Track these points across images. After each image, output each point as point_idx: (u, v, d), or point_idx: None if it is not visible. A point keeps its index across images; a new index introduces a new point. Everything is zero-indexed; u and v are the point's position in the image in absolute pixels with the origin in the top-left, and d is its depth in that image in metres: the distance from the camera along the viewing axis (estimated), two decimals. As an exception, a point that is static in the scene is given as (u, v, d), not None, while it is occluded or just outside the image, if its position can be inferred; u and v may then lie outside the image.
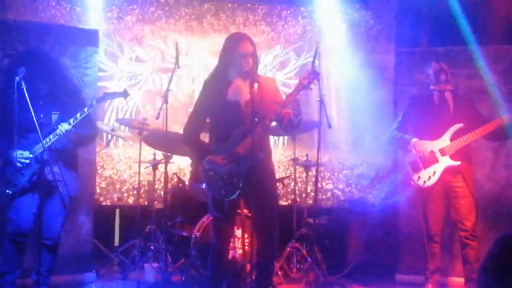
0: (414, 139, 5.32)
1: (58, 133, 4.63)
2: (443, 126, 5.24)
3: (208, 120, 4.60)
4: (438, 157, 5.22)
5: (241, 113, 4.39)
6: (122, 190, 7.40)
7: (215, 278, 4.62)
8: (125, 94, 5.00)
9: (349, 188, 7.64)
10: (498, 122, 5.13)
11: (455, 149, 5.18)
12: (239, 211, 5.06)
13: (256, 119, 4.26)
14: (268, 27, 7.75)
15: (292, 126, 4.47)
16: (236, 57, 4.42)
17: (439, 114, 5.30)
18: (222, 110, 4.44)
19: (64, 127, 4.62)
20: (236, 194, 4.36)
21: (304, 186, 6.79)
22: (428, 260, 5.40)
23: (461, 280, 5.50)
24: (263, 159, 4.38)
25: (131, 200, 7.35)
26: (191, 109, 4.85)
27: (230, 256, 5.25)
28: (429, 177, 5.24)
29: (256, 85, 4.32)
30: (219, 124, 4.50)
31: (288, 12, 7.77)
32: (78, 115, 4.67)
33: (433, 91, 5.40)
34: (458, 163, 5.20)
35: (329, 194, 7.68)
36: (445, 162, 5.21)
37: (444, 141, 5.21)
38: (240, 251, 5.44)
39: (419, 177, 5.28)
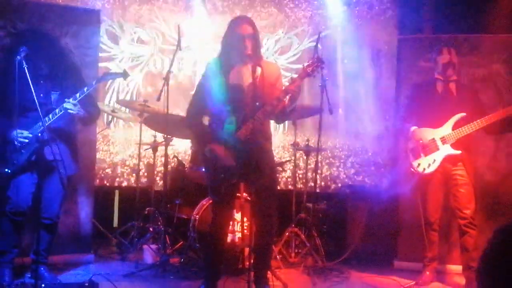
0: (413, 127, 5.30)
1: (59, 112, 4.63)
2: (446, 114, 5.21)
3: (209, 102, 4.58)
4: (438, 145, 5.21)
5: (243, 97, 4.38)
6: (122, 171, 7.40)
7: (212, 261, 4.64)
8: (125, 74, 4.99)
9: (354, 175, 7.61)
10: (502, 113, 5.10)
11: (456, 138, 5.17)
12: (238, 194, 5.06)
13: (257, 104, 4.25)
14: (275, 8, 7.67)
15: (284, 115, 4.45)
16: (235, 39, 4.39)
17: (442, 102, 5.28)
18: (224, 94, 4.42)
19: (71, 101, 4.61)
20: (234, 178, 4.38)
21: (304, 171, 6.78)
22: (426, 248, 5.41)
23: (458, 267, 5.51)
24: (263, 144, 4.38)
25: (130, 182, 7.35)
26: (192, 92, 4.83)
27: (229, 240, 5.28)
28: (429, 164, 5.24)
29: (259, 69, 4.31)
30: (221, 107, 4.47)
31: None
32: (77, 94, 4.66)
33: (437, 80, 5.37)
34: (459, 152, 5.19)
35: (330, 179, 7.66)
36: (446, 150, 5.20)
37: (446, 129, 5.20)
38: (239, 235, 5.45)
39: (419, 164, 5.27)
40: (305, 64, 4.33)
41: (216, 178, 4.41)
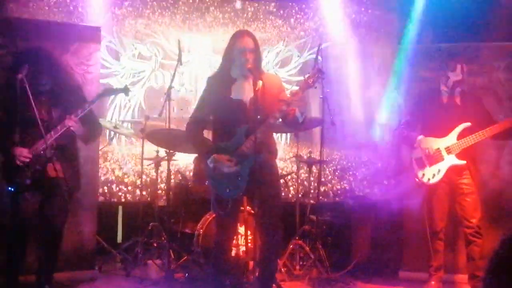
0: (420, 136, 5.30)
1: (61, 129, 4.63)
2: (450, 124, 5.22)
3: (211, 117, 4.58)
4: (443, 155, 5.21)
5: (245, 111, 4.37)
6: (125, 187, 7.38)
7: (218, 275, 4.62)
8: (126, 90, 5.00)
9: (366, 187, 7.57)
10: (507, 123, 5.11)
11: (461, 148, 5.17)
12: (242, 208, 5.05)
13: (259, 117, 4.25)
14: (280, 20, 7.65)
15: (297, 124, 4.42)
16: (236, 53, 4.40)
17: (447, 112, 5.28)
18: (226, 109, 4.42)
19: (72, 118, 4.62)
20: (240, 192, 4.37)
21: (307, 183, 6.77)
22: (431, 257, 5.40)
23: (464, 277, 5.49)
24: (266, 158, 4.37)
25: (133, 197, 7.33)
26: (194, 106, 4.82)
27: (233, 254, 5.27)
28: (434, 174, 5.23)
29: (260, 82, 4.31)
30: (223, 122, 4.47)
31: (305, 5, 7.62)
32: (79, 111, 4.67)
33: (442, 91, 5.37)
34: (464, 162, 5.19)
35: (342, 192, 7.63)
36: (451, 160, 5.20)
37: (451, 139, 5.20)
38: (243, 248, 5.43)
39: (423, 174, 5.27)
40: (306, 75, 4.33)
41: (221, 192, 4.41)
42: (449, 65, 5.31)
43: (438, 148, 5.23)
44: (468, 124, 5.17)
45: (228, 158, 4.31)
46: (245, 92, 4.41)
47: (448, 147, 5.20)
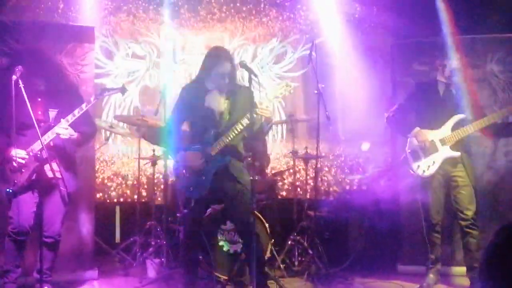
0: (417, 128, 5.30)
1: (51, 135, 4.65)
2: (445, 116, 5.24)
3: (185, 122, 4.96)
4: (438, 147, 5.22)
5: (215, 119, 4.75)
6: (122, 187, 7.38)
7: (188, 269, 4.92)
8: (123, 89, 5.00)
9: (350, 180, 7.57)
10: (500, 114, 5.13)
11: (455, 139, 5.18)
12: (210, 209, 5.26)
13: (225, 125, 4.69)
14: (284, 12, 7.61)
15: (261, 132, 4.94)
16: (214, 74, 4.75)
17: (442, 104, 5.29)
18: (199, 115, 4.81)
19: (62, 125, 4.63)
20: (202, 193, 4.66)
21: (304, 179, 6.78)
22: (429, 250, 5.41)
23: (462, 269, 5.51)
24: (232, 162, 4.72)
25: (131, 197, 7.33)
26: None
27: (231, 251, 5.35)
28: (429, 166, 5.24)
29: (230, 98, 4.77)
30: (196, 126, 4.86)
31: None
32: (76, 111, 4.67)
33: (438, 82, 5.38)
34: (458, 153, 5.20)
35: (330, 186, 7.63)
36: (445, 152, 5.22)
37: (445, 131, 5.22)
38: (241, 246, 5.43)
39: (418, 166, 5.28)
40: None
41: (185, 191, 4.74)
42: (447, 54, 5.34)
43: (433, 140, 5.24)
44: (462, 115, 5.20)
45: (196, 155, 4.68)
46: (217, 103, 4.78)
47: (442, 138, 5.22)
